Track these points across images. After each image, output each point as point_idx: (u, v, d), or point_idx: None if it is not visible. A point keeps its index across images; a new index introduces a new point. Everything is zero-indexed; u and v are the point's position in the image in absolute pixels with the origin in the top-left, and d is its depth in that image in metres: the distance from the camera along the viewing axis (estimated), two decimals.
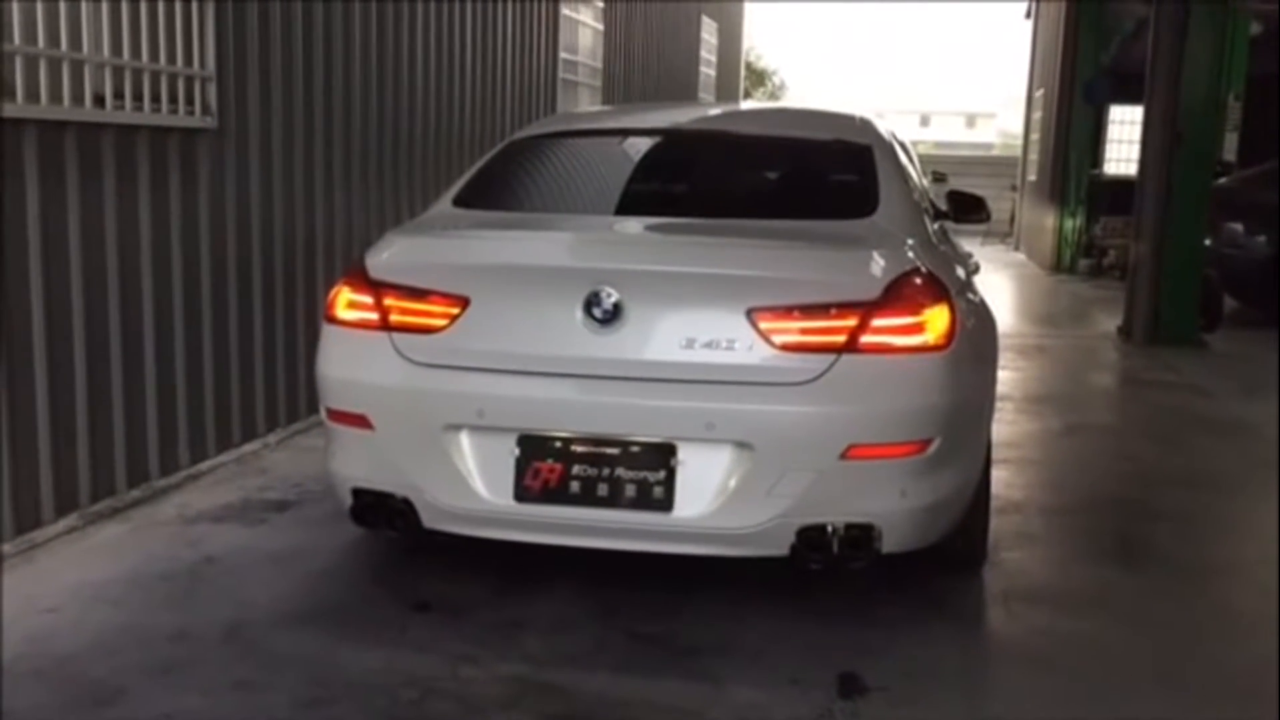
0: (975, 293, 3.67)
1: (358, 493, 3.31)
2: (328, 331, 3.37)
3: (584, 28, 10.09)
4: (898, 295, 3.06)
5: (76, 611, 3.26)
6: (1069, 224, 14.72)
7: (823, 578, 3.47)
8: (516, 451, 3.11)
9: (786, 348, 3.01)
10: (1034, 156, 17.82)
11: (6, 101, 3.55)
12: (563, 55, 9.26)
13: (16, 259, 3.65)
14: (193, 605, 3.34)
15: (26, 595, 3.34)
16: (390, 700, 2.80)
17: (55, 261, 3.80)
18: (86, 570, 3.55)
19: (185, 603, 3.35)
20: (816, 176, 3.92)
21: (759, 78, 30.49)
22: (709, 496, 3.03)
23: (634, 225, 3.61)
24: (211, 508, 4.18)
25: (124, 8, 4.06)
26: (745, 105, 12.22)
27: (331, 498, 3.60)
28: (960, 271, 3.70)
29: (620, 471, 3.06)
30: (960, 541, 3.47)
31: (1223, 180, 10.09)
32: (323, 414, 3.41)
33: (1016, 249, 18.51)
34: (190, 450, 4.57)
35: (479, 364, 3.14)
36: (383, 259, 3.35)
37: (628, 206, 3.78)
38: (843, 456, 3.00)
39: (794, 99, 31.63)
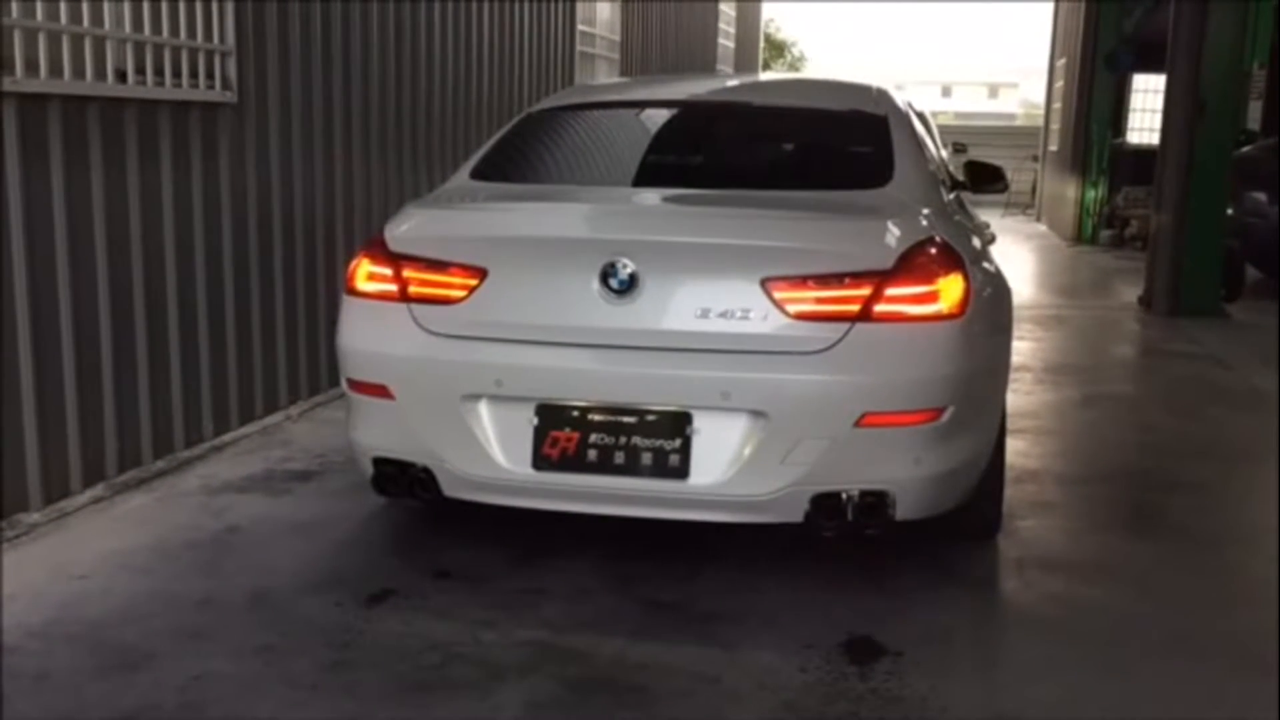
0: (991, 262, 3.68)
1: (378, 462, 3.36)
2: (348, 303, 3.41)
3: (602, 1, 10.06)
4: (911, 264, 3.07)
5: (106, 578, 3.33)
6: (1090, 194, 14.61)
7: (838, 545, 3.51)
8: (534, 420, 3.15)
9: (801, 317, 3.04)
10: (1056, 126, 17.68)
11: (30, 77, 3.60)
12: (580, 28, 9.25)
13: (43, 233, 3.71)
14: (218, 573, 3.40)
15: (57, 563, 3.41)
16: (412, 665, 2.85)
17: (80, 234, 3.86)
18: (114, 539, 3.62)
19: (211, 570, 3.42)
20: (832, 147, 3.93)
21: (778, 49, 30.28)
22: (724, 464, 3.07)
23: (650, 197, 3.63)
24: (235, 478, 4.24)
25: None
26: (762, 77, 12.17)
27: (353, 468, 3.65)
28: (976, 241, 3.71)
29: (637, 440, 3.10)
30: (975, 509, 3.49)
31: (1246, 149, 10.00)
32: (344, 384, 3.46)
33: (1038, 220, 18.40)
34: (214, 422, 4.64)
35: (497, 334, 3.18)
36: (402, 231, 3.39)
37: (644, 178, 3.80)
38: (857, 424, 3.02)
39: (814, 71, 31.45)
